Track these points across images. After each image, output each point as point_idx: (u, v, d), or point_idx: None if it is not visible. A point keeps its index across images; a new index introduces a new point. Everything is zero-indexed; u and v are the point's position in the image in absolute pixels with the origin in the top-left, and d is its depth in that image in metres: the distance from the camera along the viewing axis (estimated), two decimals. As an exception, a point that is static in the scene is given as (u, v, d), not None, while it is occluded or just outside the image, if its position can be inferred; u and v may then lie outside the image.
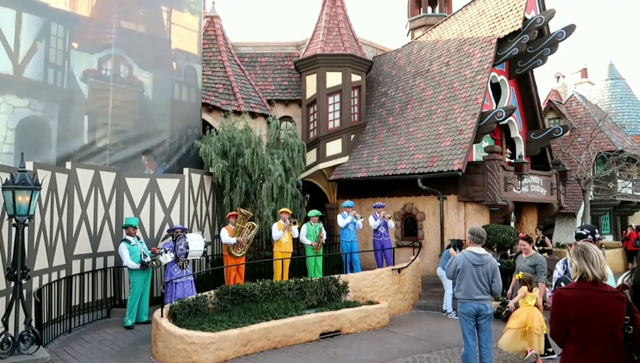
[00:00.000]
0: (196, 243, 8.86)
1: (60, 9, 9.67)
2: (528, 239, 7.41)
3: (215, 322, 7.36)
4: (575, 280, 3.27)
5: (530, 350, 6.51)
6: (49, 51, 9.43)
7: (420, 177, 11.82)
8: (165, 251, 8.64)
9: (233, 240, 9.91)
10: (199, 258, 9.51)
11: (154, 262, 8.63)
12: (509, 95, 13.51)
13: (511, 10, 12.84)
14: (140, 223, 9.85)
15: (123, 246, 8.70)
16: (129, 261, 8.59)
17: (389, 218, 11.12)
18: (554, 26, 13.35)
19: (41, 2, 9.34)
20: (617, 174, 18.07)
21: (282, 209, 10.57)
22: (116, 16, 10.78)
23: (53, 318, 7.89)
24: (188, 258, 8.88)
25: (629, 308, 3.14)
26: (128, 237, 8.82)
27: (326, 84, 14.43)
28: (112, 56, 10.61)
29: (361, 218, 11.14)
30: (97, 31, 10.43)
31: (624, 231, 18.47)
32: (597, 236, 6.51)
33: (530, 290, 6.65)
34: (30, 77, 9.08)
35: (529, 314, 6.45)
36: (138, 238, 9.00)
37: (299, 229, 10.49)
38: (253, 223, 10.41)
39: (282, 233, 10.12)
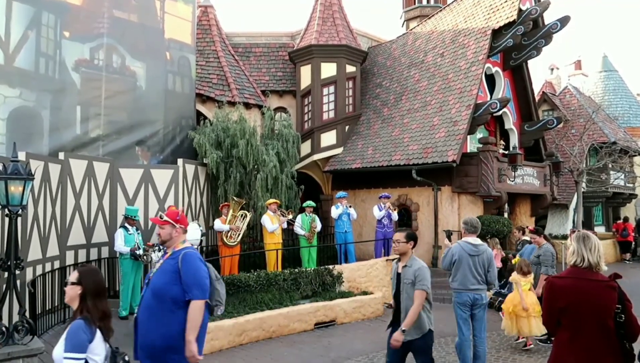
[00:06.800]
0: (192, 232, 8.82)
1: (51, -2, 9.55)
2: (537, 231, 7.47)
3: (210, 312, 7.37)
4: (570, 264, 3.30)
5: (521, 337, 6.81)
6: (40, 40, 9.31)
7: (414, 168, 11.85)
8: (159, 249, 8.60)
9: (226, 227, 9.93)
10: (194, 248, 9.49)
11: (144, 257, 8.58)
12: (503, 86, 13.53)
13: (506, 1, 12.82)
14: (134, 213, 9.81)
15: (119, 232, 8.67)
16: (120, 246, 8.55)
17: (394, 209, 11.12)
18: (549, 17, 13.35)
19: (32, -9, 9.21)
20: (610, 166, 18.17)
21: (270, 201, 10.35)
22: (108, 5, 10.65)
23: (47, 308, 7.87)
24: None
25: (620, 297, 3.16)
26: (127, 225, 8.79)
27: (321, 74, 14.37)
28: (104, 45, 10.49)
29: (350, 206, 11.13)
30: (88, 20, 10.30)
31: (616, 222, 18.63)
32: None
33: (525, 274, 6.82)
34: (21, 67, 8.97)
35: (514, 298, 6.71)
36: (137, 229, 8.97)
37: (294, 219, 10.48)
38: (245, 211, 10.41)
39: (277, 226, 10.03)
